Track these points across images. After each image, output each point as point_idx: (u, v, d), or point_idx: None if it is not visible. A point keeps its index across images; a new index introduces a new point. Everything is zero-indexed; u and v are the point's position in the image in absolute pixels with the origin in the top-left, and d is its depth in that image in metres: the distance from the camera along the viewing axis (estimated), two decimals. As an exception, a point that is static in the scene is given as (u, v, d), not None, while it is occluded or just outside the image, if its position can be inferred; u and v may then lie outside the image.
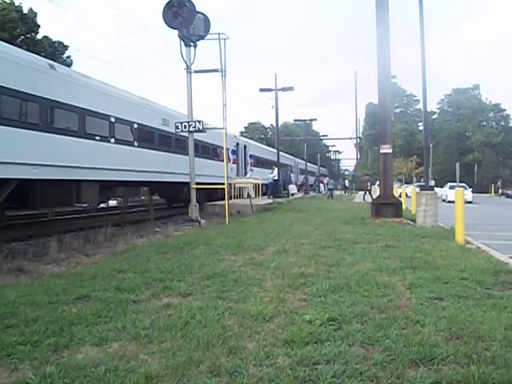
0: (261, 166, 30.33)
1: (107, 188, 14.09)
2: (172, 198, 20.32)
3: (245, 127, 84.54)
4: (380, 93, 13.38)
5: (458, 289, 4.61)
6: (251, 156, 28.50)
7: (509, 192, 53.62)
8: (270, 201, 21.93)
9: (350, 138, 53.43)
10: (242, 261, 6.48)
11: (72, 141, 11.35)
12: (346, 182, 52.85)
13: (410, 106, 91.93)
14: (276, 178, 27.41)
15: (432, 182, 36.72)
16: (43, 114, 10.45)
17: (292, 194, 31.44)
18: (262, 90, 30.14)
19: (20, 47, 15.88)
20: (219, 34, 14.14)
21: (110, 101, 13.26)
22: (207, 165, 19.37)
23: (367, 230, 10.07)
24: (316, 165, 58.62)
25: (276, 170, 27.83)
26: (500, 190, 61.54)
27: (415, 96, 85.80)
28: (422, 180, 46.47)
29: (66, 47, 35.85)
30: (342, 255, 6.78)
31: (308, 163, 51.04)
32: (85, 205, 16.05)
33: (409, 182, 51.74)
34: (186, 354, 2.98)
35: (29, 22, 32.44)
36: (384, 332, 3.35)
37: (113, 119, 13.19)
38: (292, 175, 36.93)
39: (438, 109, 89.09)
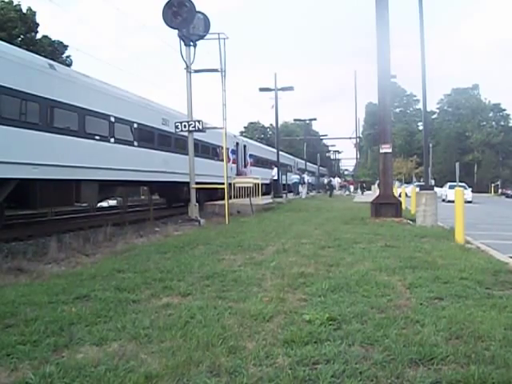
0: (261, 166, 30.40)
1: (107, 187, 14.08)
2: (172, 198, 20.30)
3: (245, 127, 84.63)
4: (380, 93, 13.38)
5: (458, 289, 4.61)
6: (251, 156, 28.53)
7: (508, 192, 53.70)
8: (270, 200, 21.93)
9: (350, 138, 53.52)
10: (241, 260, 6.48)
11: (72, 140, 11.35)
12: (397, 183, 42.95)
13: (409, 106, 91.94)
14: (276, 177, 27.50)
15: (432, 182, 36.73)
16: (43, 114, 10.45)
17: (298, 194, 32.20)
18: (261, 89, 30.16)
19: (19, 47, 15.88)
20: (219, 33, 14.13)
21: (110, 100, 13.26)
22: (207, 164, 19.37)
23: (367, 230, 10.07)
24: (316, 164, 58.66)
25: (276, 169, 27.90)
26: (500, 190, 61.60)
27: (415, 96, 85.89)
28: (421, 180, 46.49)
29: (65, 47, 35.88)
30: (341, 255, 6.78)
31: (308, 163, 51.04)
32: (84, 204, 16.05)
33: (409, 182, 51.79)
34: (186, 354, 2.98)
35: (28, 21, 32.45)
36: (384, 332, 3.34)
37: (113, 119, 13.19)
38: (305, 176, 37.28)
39: (437, 109, 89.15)
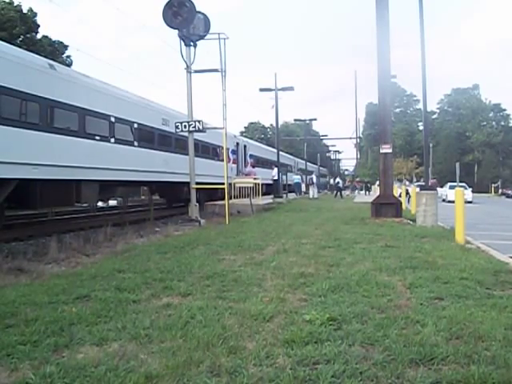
0: (261, 166, 30.39)
1: (107, 188, 14.08)
2: (172, 198, 20.31)
3: (245, 127, 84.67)
4: (380, 93, 13.37)
5: (458, 289, 4.61)
6: (251, 156, 28.52)
7: (509, 192, 53.75)
8: (270, 201, 21.93)
9: (350, 138, 53.51)
10: (241, 261, 6.48)
11: (72, 141, 11.35)
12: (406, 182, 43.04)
13: (410, 106, 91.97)
14: (276, 177, 27.52)
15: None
16: (43, 114, 10.45)
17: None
18: (261, 89, 30.17)
19: (19, 47, 15.89)
20: (219, 33, 14.13)
21: (110, 101, 13.26)
22: (207, 165, 19.37)
23: (367, 230, 10.06)
24: (316, 164, 58.67)
25: (276, 169, 27.91)
26: (500, 190, 61.62)
27: (415, 96, 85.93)
28: (422, 180, 46.57)
29: (65, 47, 35.87)
30: (341, 255, 6.77)
31: (308, 163, 51.06)
32: (85, 205, 16.06)
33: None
34: (186, 354, 2.97)
35: (28, 21, 32.44)
36: (384, 332, 3.34)
37: (113, 119, 13.18)
38: (314, 177, 37.42)
39: (438, 109, 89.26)
